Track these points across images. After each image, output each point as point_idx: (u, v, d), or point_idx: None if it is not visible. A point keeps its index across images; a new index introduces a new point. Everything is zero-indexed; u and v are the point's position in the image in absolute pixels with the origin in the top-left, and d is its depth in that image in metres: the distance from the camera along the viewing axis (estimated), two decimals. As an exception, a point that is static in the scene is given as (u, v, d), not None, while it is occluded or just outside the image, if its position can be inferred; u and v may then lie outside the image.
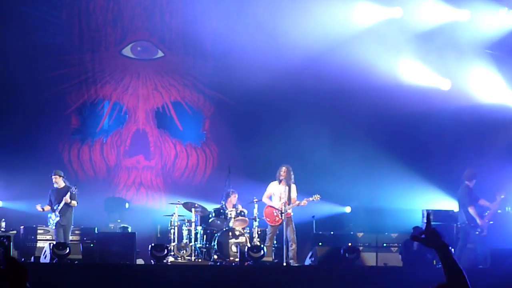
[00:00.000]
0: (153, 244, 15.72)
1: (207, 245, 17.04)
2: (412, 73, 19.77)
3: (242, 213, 17.18)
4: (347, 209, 19.90)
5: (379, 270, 15.77)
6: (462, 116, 19.34)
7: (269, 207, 16.57)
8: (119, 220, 18.82)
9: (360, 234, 18.01)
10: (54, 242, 15.52)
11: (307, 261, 16.50)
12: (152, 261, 15.59)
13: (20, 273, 6.14)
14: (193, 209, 17.37)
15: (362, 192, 19.60)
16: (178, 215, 17.43)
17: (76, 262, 14.98)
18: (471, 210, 16.56)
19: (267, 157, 19.02)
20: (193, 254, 16.99)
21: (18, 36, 19.33)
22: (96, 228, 17.60)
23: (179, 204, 17.46)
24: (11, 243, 15.59)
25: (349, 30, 19.51)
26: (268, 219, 16.58)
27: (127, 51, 20.45)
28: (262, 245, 15.90)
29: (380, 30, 19.52)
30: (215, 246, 16.60)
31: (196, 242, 17.15)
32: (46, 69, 19.74)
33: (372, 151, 19.48)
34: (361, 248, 16.62)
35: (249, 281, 14.16)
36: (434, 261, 15.47)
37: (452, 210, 18.24)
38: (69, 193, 16.51)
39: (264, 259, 15.54)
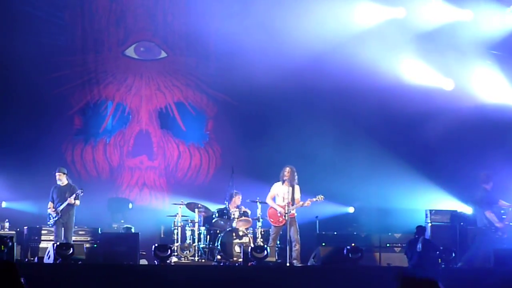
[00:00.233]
0: (156, 245, 15.72)
1: (211, 246, 17.05)
2: (415, 73, 19.77)
3: (246, 214, 17.18)
4: (351, 209, 19.91)
5: (383, 270, 15.75)
6: (465, 116, 19.35)
7: (273, 207, 16.57)
8: (122, 221, 18.83)
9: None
10: (58, 243, 15.50)
11: (310, 262, 16.50)
12: (155, 261, 15.59)
13: (12, 273, 6.11)
14: (196, 210, 17.38)
15: (365, 192, 19.59)
16: (182, 216, 17.43)
17: (80, 262, 14.99)
18: (488, 215, 16.54)
19: (270, 157, 19.04)
20: (196, 255, 16.99)
21: (21, 37, 19.34)
22: (99, 229, 17.60)
23: (182, 204, 17.46)
24: (15, 243, 15.59)
25: (352, 30, 19.52)
26: (272, 220, 16.57)
27: (130, 51, 20.47)
28: (265, 246, 15.90)
29: (383, 30, 19.53)
30: (219, 247, 16.60)
31: (199, 243, 17.16)
32: (49, 69, 19.74)
33: (375, 151, 19.47)
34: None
35: (252, 281, 14.14)
36: (440, 259, 15.46)
37: (455, 210, 18.24)
38: (74, 195, 16.50)
39: (268, 259, 15.54)
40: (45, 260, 15.39)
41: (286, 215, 16.14)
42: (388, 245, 17.73)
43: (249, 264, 15.51)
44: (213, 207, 17.57)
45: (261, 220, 16.80)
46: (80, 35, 20.21)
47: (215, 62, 20.47)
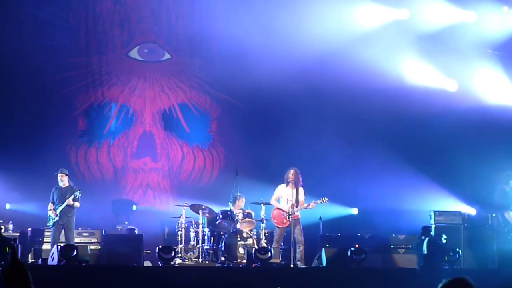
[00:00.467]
0: (160, 246, 15.73)
1: (215, 247, 17.05)
2: (419, 74, 19.77)
3: (250, 215, 17.18)
4: (354, 211, 19.90)
5: (387, 272, 15.73)
6: (469, 117, 19.34)
7: (277, 209, 16.58)
8: (126, 222, 18.84)
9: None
10: (62, 244, 15.51)
11: (314, 263, 16.49)
12: (159, 263, 15.61)
13: (25, 280, 6.10)
14: (200, 211, 17.38)
15: (369, 194, 19.58)
16: (185, 217, 17.44)
17: (84, 264, 15.00)
18: (507, 216, 16.52)
19: (274, 158, 19.06)
20: (200, 256, 17.00)
21: (25, 38, 19.37)
22: (103, 230, 17.61)
23: (186, 206, 17.47)
24: (19, 244, 15.60)
25: (356, 31, 19.53)
26: (276, 221, 16.58)
27: (134, 53, 20.48)
28: (269, 247, 15.91)
29: (387, 31, 19.54)
30: (223, 248, 16.60)
31: (203, 244, 17.17)
32: (53, 71, 19.77)
33: (379, 153, 19.45)
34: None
35: (256, 283, 14.16)
36: (446, 257, 15.43)
37: (459, 211, 18.22)
38: (73, 196, 16.52)
39: (272, 261, 15.54)
40: (49, 262, 15.40)
41: (290, 216, 16.14)
42: (392, 246, 17.71)
43: (253, 265, 15.50)
44: (217, 209, 17.57)
45: (265, 221, 16.81)
46: (84, 37, 20.24)
47: (219, 64, 20.48)
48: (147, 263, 16.78)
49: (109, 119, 20.39)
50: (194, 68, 20.65)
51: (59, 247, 15.14)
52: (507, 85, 19.70)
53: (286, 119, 20.10)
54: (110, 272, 14.18)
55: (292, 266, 15.86)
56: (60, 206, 16.46)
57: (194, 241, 17.23)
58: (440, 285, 5.32)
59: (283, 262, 16.19)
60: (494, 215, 17.24)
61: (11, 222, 17.55)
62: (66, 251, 15.00)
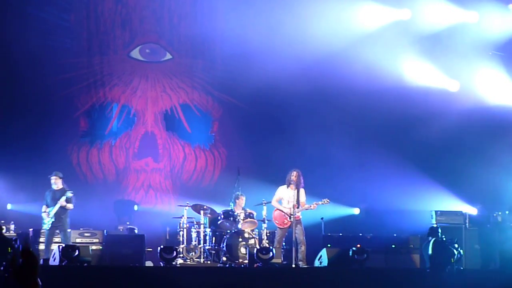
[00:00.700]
0: (162, 246, 15.73)
1: (216, 247, 17.04)
2: (421, 74, 19.76)
3: (251, 215, 17.17)
4: (356, 211, 19.90)
5: (389, 272, 15.72)
6: (471, 117, 19.35)
7: (278, 210, 16.58)
8: (128, 223, 18.84)
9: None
10: (63, 245, 15.50)
11: (316, 263, 16.49)
12: (161, 263, 15.61)
13: (33, 267, 6.13)
14: (202, 211, 17.37)
15: (371, 194, 19.58)
16: (187, 217, 17.42)
17: (86, 264, 15.00)
18: None
19: (276, 159, 19.07)
20: (202, 256, 16.99)
21: (27, 39, 19.37)
22: (105, 231, 17.62)
23: (188, 206, 17.45)
24: (20, 245, 15.59)
25: (358, 32, 19.55)
26: (277, 222, 16.60)
27: (135, 53, 20.49)
28: (271, 247, 15.91)
29: (389, 32, 19.54)
30: (224, 248, 16.60)
31: (205, 244, 17.15)
32: (54, 72, 19.77)
33: (381, 153, 19.45)
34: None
35: (258, 283, 14.16)
36: (452, 259, 15.41)
37: (461, 211, 18.22)
38: (64, 197, 16.54)
39: (273, 261, 15.55)
40: (51, 262, 15.39)
41: (292, 216, 16.15)
42: (393, 246, 17.70)
43: (255, 265, 15.51)
44: (219, 209, 17.56)
45: (266, 221, 16.80)
46: (86, 37, 20.24)
47: (221, 64, 20.48)
48: (148, 263, 16.78)
49: (110, 119, 20.40)
50: (196, 68, 20.65)
51: (60, 247, 15.14)
52: (508, 85, 19.69)
53: (288, 120, 20.10)
54: (112, 273, 14.19)
55: (293, 266, 15.86)
56: (53, 208, 16.50)
57: (195, 241, 17.22)
58: None
59: (284, 262, 16.20)
60: (495, 214, 17.26)
61: (12, 222, 17.55)
62: (68, 251, 15.00)
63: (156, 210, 19.92)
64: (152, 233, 17.91)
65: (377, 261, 17.16)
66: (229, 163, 20.25)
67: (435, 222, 17.67)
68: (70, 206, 16.63)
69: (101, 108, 20.36)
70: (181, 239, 17.22)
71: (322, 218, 17.77)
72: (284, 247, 16.68)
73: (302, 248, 16.19)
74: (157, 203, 20.18)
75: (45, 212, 16.64)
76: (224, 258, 16.61)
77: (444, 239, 15.64)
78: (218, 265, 16.56)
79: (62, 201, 16.49)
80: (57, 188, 16.78)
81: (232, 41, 19.71)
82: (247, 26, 19.30)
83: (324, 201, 16.40)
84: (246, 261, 15.98)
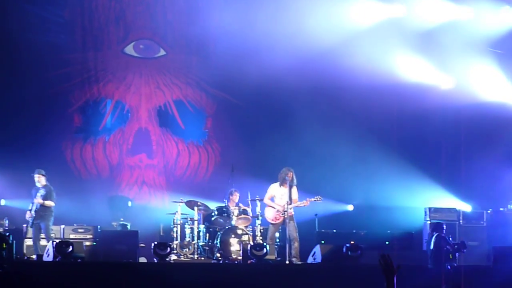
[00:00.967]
0: (156, 243, 15.72)
1: (210, 243, 17.04)
2: (415, 71, 19.77)
3: (245, 212, 17.17)
4: (350, 207, 19.91)
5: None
6: (465, 114, 19.39)
7: (271, 206, 16.58)
8: (122, 219, 18.81)
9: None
10: (57, 241, 15.48)
11: (310, 259, 16.49)
12: (155, 259, 15.60)
13: None
14: (195, 208, 17.38)
15: (365, 190, 19.59)
16: (181, 214, 17.42)
17: (79, 260, 14.99)
18: None
19: (269, 155, 19.07)
20: (196, 252, 16.99)
21: (21, 35, 19.34)
22: (99, 226, 17.61)
23: (181, 202, 17.45)
24: (13, 240, 15.57)
25: (353, 28, 19.53)
26: (269, 218, 16.60)
27: (129, 49, 20.46)
28: (265, 243, 15.90)
29: (384, 28, 19.53)
30: (218, 244, 16.60)
31: (199, 240, 17.16)
32: (48, 67, 19.74)
33: (375, 150, 19.47)
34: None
35: (252, 279, 14.15)
36: (451, 256, 15.43)
37: (454, 208, 18.26)
38: (39, 194, 16.54)
39: (267, 257, 15.54)
40: (45, 258, 15.37)
41: (286, 213, 16.15)
42: (387, 243, 17.72)
43: (249, 262, 15.50)
44: (213, 205, 17.56)
45: (260, 218, 16.79)
46: (79, 33, 20.21)
47: (215, 60, 20.45)
48: (142, 259, 16.78)
49: (104, 115, 20.37)
50: (190, 64, 20.63)
51: (54, 243, 15.12)
52: (503, 82, 19.70)
53: (282, 116, 20.09)
54: (106, 269, 14.18)
55: (287, 262, 15.87)
56: (33, 206, 16.54)
57: (189, 237, 17.22)
58: None
59: (278, 259, 16.19)
60: (489, 211, 17.30)
61: (6, 218, 17.54)
62: (61, 247, 14.99)
63: (150, 206, 19.91)
64: (146, 229, 17.90)
65: (370, 258, 17.16)
66: (223, 159, 20.24)
67: (428, 219, 17.69)
68: (48, 203, 16.65)
69: (95, 104, 20.33)
70: (175, 235, 17.21)
71: (316, 215, 17.78)
72: (278, 243, 16.68)
73: (295, 244, 16.18)
74: (150, 199, 20.17)
75: (30, 210, 16.70)
76: (218, 255, 16.61)
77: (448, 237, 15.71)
78: (212, 261, 16.56)
79: (38, 199, 16.52)
80: (41, 186, 16.79)
81: (226, 37, 19.70)
82: (241, 22, 19.27)
83: (316, 198, 16.42)
84: (240, 258, 15.98)
